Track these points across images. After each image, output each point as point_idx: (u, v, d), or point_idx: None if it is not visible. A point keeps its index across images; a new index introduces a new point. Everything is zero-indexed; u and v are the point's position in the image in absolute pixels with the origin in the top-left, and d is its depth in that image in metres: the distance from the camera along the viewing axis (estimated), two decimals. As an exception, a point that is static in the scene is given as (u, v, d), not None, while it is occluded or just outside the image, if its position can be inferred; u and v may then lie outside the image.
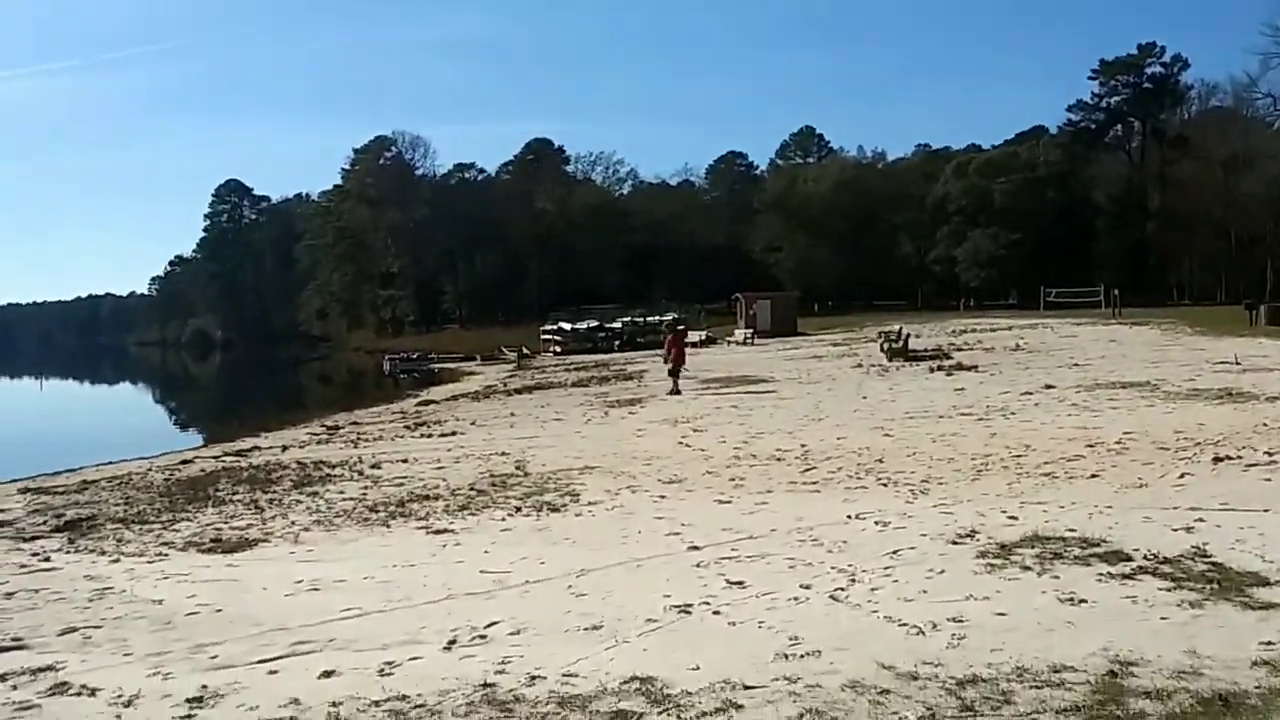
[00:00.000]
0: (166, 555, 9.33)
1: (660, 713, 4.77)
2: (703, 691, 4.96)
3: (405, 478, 13.67)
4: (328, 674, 5.57)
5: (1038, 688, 4.81)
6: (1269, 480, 9.78)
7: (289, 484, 13.68)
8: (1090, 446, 12.52)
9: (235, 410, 42.41)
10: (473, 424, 21.57)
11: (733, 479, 11.97)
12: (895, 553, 7.78)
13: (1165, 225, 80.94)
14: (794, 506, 9.97)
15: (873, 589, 6.82)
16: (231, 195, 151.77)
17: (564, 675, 5.35)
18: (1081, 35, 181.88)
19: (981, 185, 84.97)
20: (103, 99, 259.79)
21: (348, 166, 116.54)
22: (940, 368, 26.48)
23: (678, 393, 24.67)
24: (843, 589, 6.85)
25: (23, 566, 8.93)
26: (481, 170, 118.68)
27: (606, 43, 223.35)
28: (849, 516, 9.27)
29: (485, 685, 5.25)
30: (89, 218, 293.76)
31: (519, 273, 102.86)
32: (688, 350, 37.87)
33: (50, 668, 5.89)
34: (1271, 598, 6.04)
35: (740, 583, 7.16)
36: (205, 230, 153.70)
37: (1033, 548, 7.59)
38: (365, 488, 12.98)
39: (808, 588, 6.92)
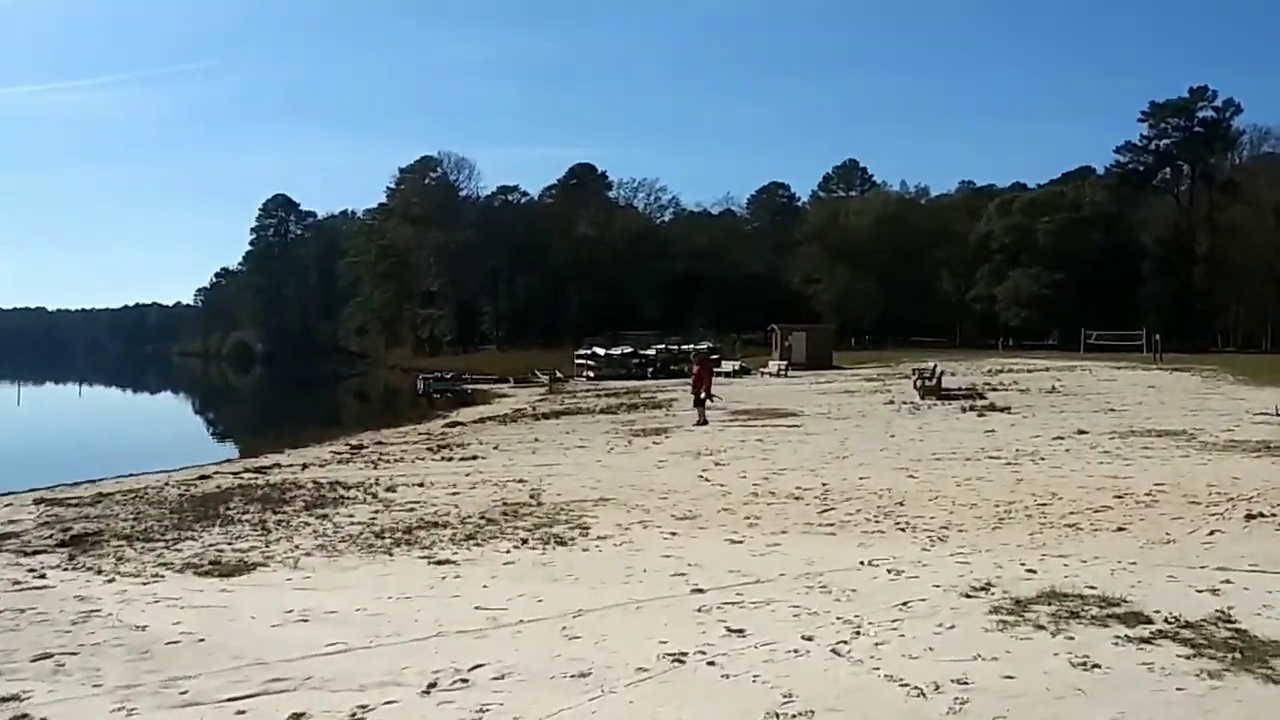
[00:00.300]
0: (162, 577, 9.18)
1: (634, 773, 4.52)
2: (681, 752, 4.71)
3: (418, 503, 13.51)
4: (297, 717, 5.37)
5: (1037, 764, 4.52)
6: (1303, 542, 9.36)
7: (300, 505, 13.55)
8: (1119, 497, 12.10)
9: (269, 424, 42.74)
10: (495, 448, 21.42)
11: (748, 517, 11.69)
12: (905, 604, 7.47)
13: (1213, 271, 79.76)
14: (807, 549, 9.68)
15: (877, 643, 6.53)
16: (278, 210, 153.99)
17: (541, 726, 5.12)
18: (1132, 76, 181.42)
19: (1025, 224, 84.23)
20: (157, 112, 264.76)
21: (393, 185, 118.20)
22: (972, 407, 26.02)
23: (704, 423, 24.43)
24: (846, 642, 6.56)
25: (16, 584, 8.82)
26: (525, 193, 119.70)
27: (651, 68, 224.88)
28: (862, 563, 8.97)
29: (457, 734, 5.03)
30: (140, 228, 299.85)
31: (558, 296, 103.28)
32: (718, 380, 37.78)
33: (15, 697, 5.74)
34: (1297, 672, 5.69)
35: (740, 630, 6.89)
36: (251, 244, 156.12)
37: (1049, 605, 7.25)
38: (376, 512, 12.82)
39: (810, 639, 6.64)
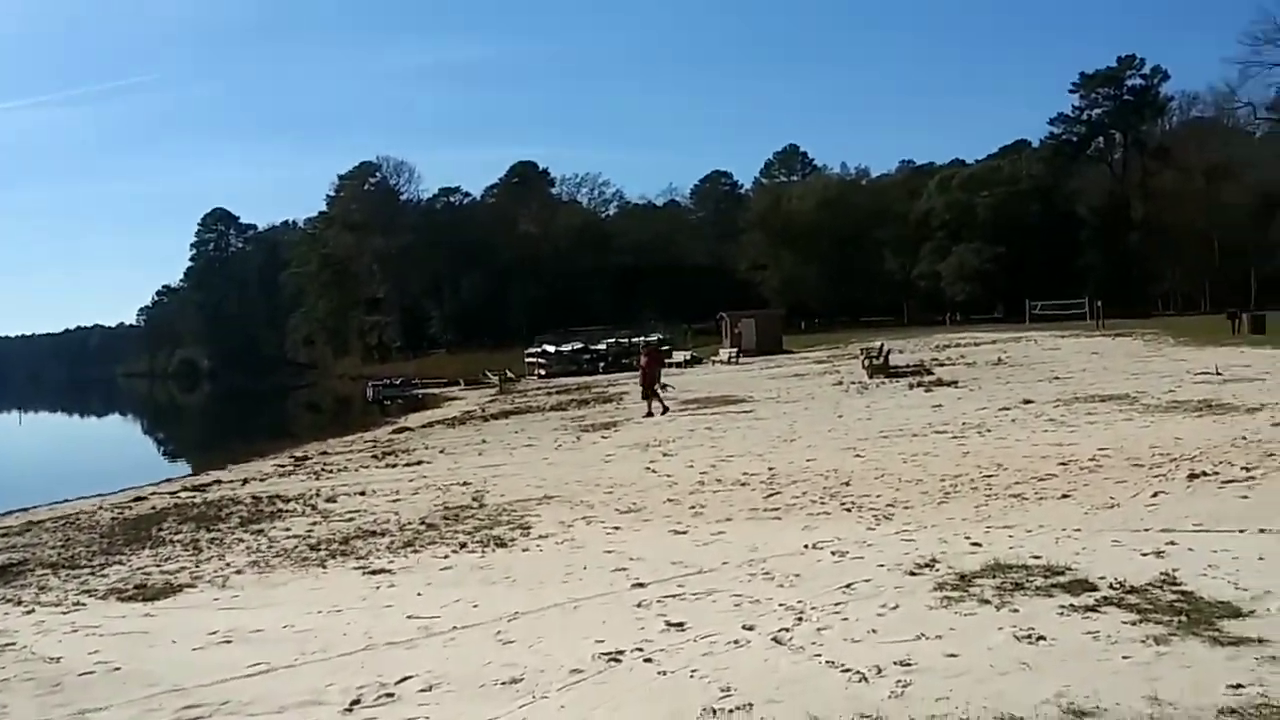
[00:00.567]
0: (84, 605, 8.80)
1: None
2: (611, 757, 4.48)
3: (358, 512, 13.17)
4: (208, 744, 5.08)
5: (980, 745, 4.34)
6: (1245, 498, 9.30)
7: (236, 521, 13.18)
8: (1063, 464, 12.05)
9: (214, 441, 41.87)
10: (441, 452, 21.09)
11: (693, 507, 11.49)
12: (849, 586, 7.29)
13: (1149, 236, 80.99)
14: (751, 536, 9.49)
15: (819, 628, 6.34)
16: (218, 224, 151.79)
17: (466, 739, 4.86)
18: (1063, 48, 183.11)
19: (965, 200, 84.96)
20: (90, 131, 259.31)
21: (332, 193, 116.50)
22: (920, 384, 26.05)
23: (651, 414, 24.28)
24: (787, 630, 6.36)
25: (-74, 621, 8.41)
26: (466, 194, 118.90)
27: (589, 66, 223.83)
28: (806, 546, 8.79)
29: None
30: (79, 249, 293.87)
31: (505, 296, 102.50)
32: (670, 371, 37.66)
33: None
34: (1242, 631, 5.56)
35: (680, 624, 6.67)
36: (192, 260, 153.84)
37: (994, 578, 7.11)
38: (314, 524, 12.48)
39: (751, 629, 6.43)
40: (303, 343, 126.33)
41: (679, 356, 52.03)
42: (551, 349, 60.94)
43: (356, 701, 5.61)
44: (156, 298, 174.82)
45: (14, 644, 7.46)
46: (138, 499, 17.18)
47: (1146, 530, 8.32)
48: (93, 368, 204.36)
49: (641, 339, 56.64)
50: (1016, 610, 6.35)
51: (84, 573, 10.39)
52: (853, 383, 28.90)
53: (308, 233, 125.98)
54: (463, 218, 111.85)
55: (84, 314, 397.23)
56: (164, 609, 8.50)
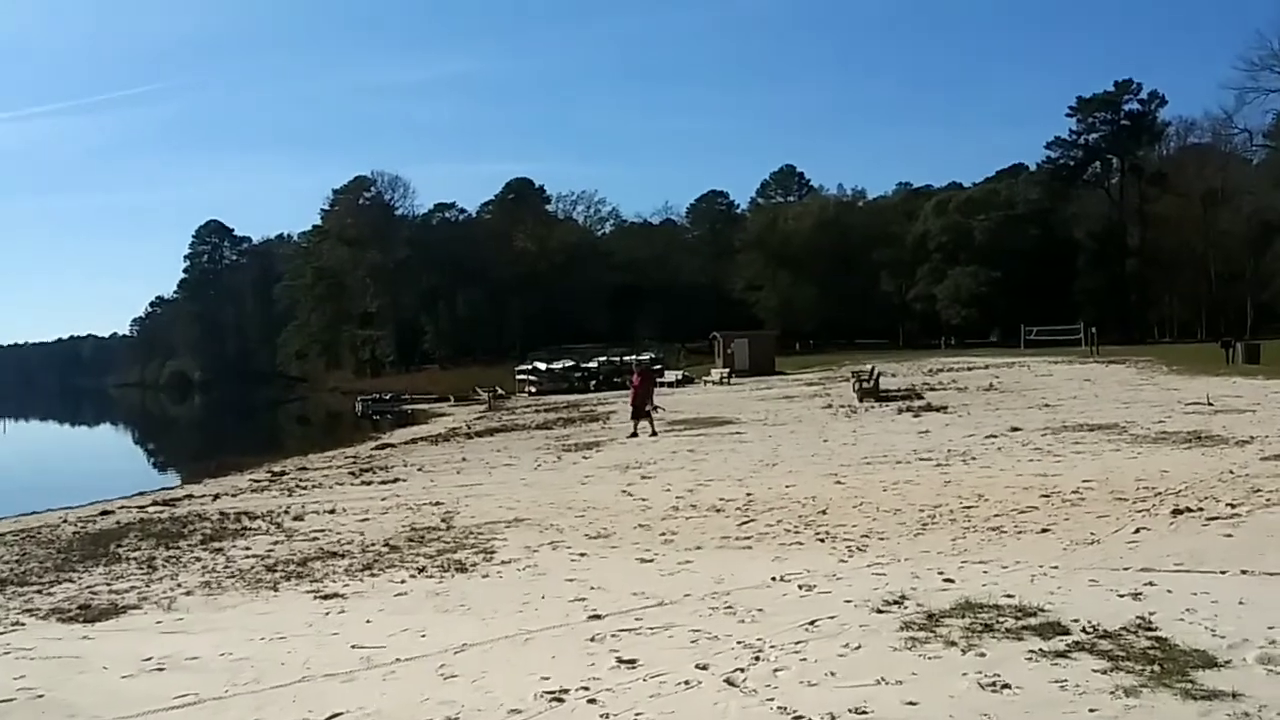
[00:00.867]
0: (23, 625, 8.47)
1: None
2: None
3: (323, 531, 12.84)
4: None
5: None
6: (1229, 536, 9.00)
7: (198, 539, 12.82)
8: (1045, 496, 11.75)
9: (200, 454, 41.39)
10: (420, 470, 20.77)
11: (664, 533, 11.17)
12: (813, 623, 6.97)
13: (1145, 262, 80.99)
14: (719, 566, 9.17)
15: (776, 669, 6.02)
16: (212, 236, 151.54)
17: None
18: (1060, 72, 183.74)
19: (961, 223, 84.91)
20: (88, 141, 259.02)
21: (327, 207, 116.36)
22: (909, 409, 25.78)
23: (636, 435, 23.98)
24: (743, 670, 6.04)
25: None
26: (462, 210, 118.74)
27: (587, 83, 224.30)
28: (773, 578, 8.47)
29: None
30: (73, 259, 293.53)
31: (500, 312, 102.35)
32: (661, 390, 37.31)
33: None
34: (1216, 683, 5.25)
35: (632, 661, 6.34)
36: (185, 271, 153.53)
37: (963, 617, 6.79)
38: (276, 543, 12.13)
39: (704, 668, 6.11)
40: (295, 356, 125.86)
41: (670, 376, 51.75)
42: (543, 366, 60.66)
43: (277, 742, 5.30)
44: (150, 308, 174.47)
45: (-61, 668, 7.13)
46: (104, 513, 16.82)
47: (1125, 569, 8.01)
48: (85, 377, 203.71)
49: (634, 358, 56.42)
50: (983, 654, 6.04)
51: (31, 590, 10.05)
52: (842, 406, 28.63)
53: (302, 246, 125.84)
54: (458, 233, 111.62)
55: (78, 323, 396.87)
56: (103, 631, 8.17)
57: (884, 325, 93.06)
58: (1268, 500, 10.50)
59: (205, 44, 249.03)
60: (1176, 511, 10.25)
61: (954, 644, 6.27)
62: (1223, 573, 7.69)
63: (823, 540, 10.25)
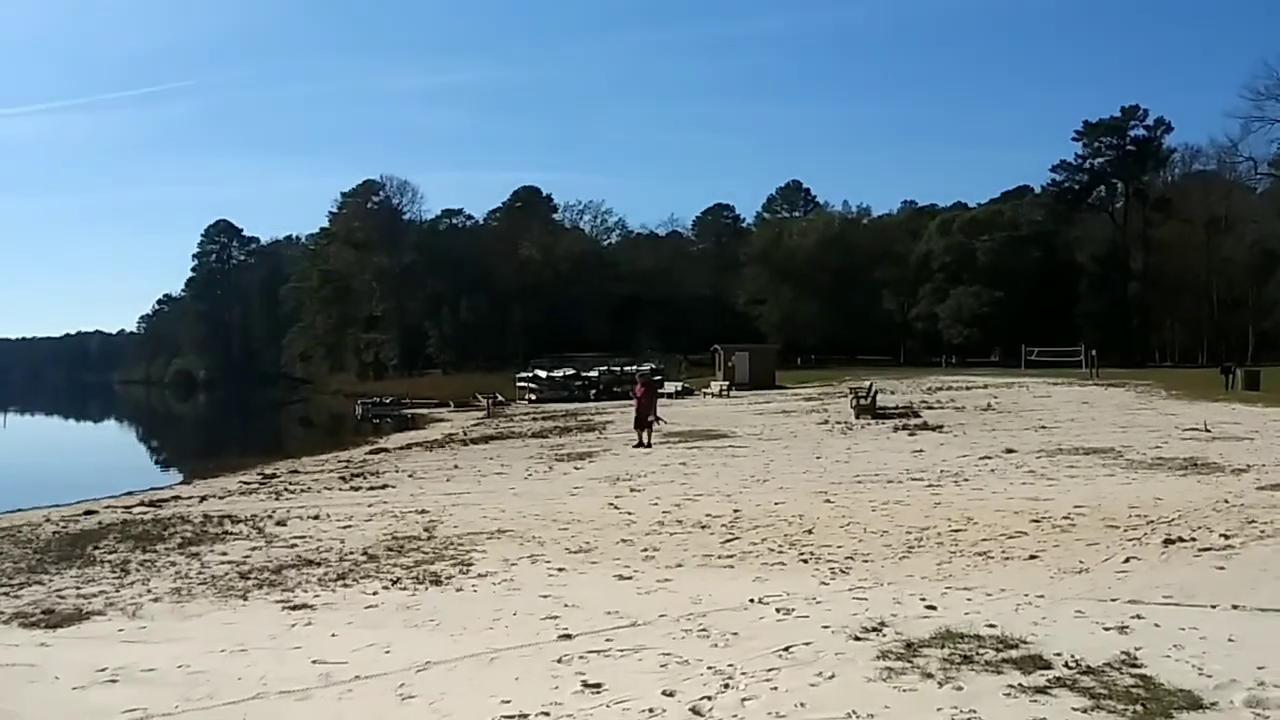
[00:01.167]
0: (-18, 629, 8.29)
1: None
2: None
3: (303, 537, 12.64)
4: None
5: None
6: (1221, 569, 8.78)
7: (177, 542, 12.63)
8: (1035, 521, 11.53)
9: (199, 453, 41.25)
10: (410, 476, 20.59)
11: (646, 549, 10.97)
12: (787, 649, 6.75)
13: (1148, 287, 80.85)
14: (698, 585, 8.96)
15: (744, 698, 5.81)
16: (221, 235, 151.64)
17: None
18: (1067, 96, 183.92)
19: (965, 243, 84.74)
20: (101, 139, 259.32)
21: (335, 210, 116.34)
22: (905, 427, 25.59)
23: (642, 445, 23.92)
24: (709, 698, 5.83)
25: None
26: (469, 216, 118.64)
27: (597, 92, 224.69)
28: (751, 600, 8.26)
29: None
30: (84, 255, 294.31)
31: (504, 319, 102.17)
32: (660, 401, 37.10)
33: None
34: (1200, 728, 5.06)
35: (597, 686, 6.14)
36: (193, 270, 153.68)
37: (942, 648, 6.57)
38: (255, 548, 11.94)
39: (671, 695, 5.90)
40: (299, 357, 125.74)
41: (670, 387, 51.58)
42: (543, 374, 60.50)
43: (220, 762, 5.10)
44: (157, 306, 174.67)
45: (-111, 674, 6.94)
46: (88, 513, 16.62)
47: (1113, 600, 7.79)
48: (91, 373, 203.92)
49: (636, 368, 56.23)
50: (960, 688, 5.82)
51: (-1, 593, 9.87)
52: (838, 422, 28.43)
53: (309, 248, 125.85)
54: (464, 240, 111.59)
55: (86, 319, 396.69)
56: (63, 638, 7.97)
57: (886, 342, 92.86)
58: (1262, 532, 10.29)
59: (222, 45, 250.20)
60: (1168, 541, 10.03)
61: (931, 676, 6.05)
62: (1213, 607, 7.47)
63: (806, 561, 10.05)
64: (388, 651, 7.12)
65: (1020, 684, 5.82)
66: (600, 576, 9.65)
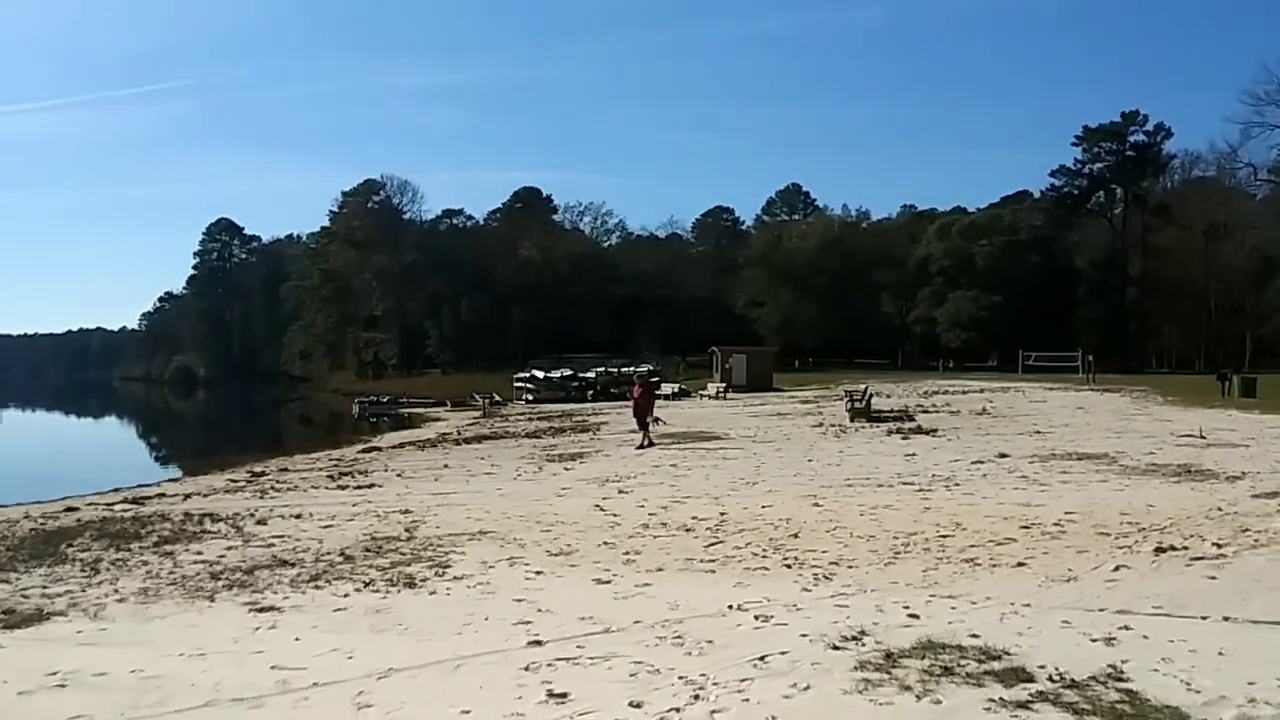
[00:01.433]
0: (-60, 630, 8.05)
1: None
2: None
3: (281, 537, 12.43)
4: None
5: None
6: (1213, 579, 8.54)
7: (153, 541, 12.40)
8: (1025, 528, 11.30)
9: (196, 450, 40.99)
10: (399, 475, 20.37)
11: (628, 552, 10.75)
12: (763, 659, 6.52)
13: (1146, 292, 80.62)
14: (676, 590, 8.74)
15: (714, 710, 5.59)
16: (222, 234, 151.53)
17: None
18: (1067, 101, 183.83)
19: (964, 247, 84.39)
20: (103, 136, 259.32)
21: (336, 209, 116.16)
22: (899, 430, 25.35)
23: (647, 444, 23.84)
24: (678, 710, 5.61)
25: None
26: (470, 217, 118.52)
27: (597, 92, 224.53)
28: (730, 607, 8.03)
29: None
30: (86, 253, 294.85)
31: (503, 319, 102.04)
32: (656, 403, 36.93)
33: None
34: (1186, 748, 4.83)
35: (563, 696, 5.92)
36: (194, 268, 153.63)
37: (923, 658, 6.34)
38: (230, 548, 11.73)
39: (638, 706, 5.69)
40: (299, 356, 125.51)
41: (667, 389, 51.35)
42: (540, 374, 60.36)
43: (160, 774, 4.88)
44: (158, 304, 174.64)
45: None
46: (68, 509, 16.42)
47: (1101, 610, 7.56)
48: (92, 370, 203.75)
49: (633, 369, 56.02)
50: (939, 701, 5.60)
51: (-36, 591, 9.64)
52: (832, 425, 28.20)
53: (310, 247, 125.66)
54: (464, 240, 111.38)
55: (88, 316, 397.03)
56: (20, 640, 7.74)
57: (884, 346, 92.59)
58: (1256, 540, 10.05)
59: (223, 44, 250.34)
60: (1159, 549, 9.80)
61: (909, 688, 5.83)
62: (1204, 618, 7.24)
63: (789, 566, 9.82)
64: (350, 657, 6.90)
65: (1001, 698, 5.60)
66: (578, 580, 9.43)
